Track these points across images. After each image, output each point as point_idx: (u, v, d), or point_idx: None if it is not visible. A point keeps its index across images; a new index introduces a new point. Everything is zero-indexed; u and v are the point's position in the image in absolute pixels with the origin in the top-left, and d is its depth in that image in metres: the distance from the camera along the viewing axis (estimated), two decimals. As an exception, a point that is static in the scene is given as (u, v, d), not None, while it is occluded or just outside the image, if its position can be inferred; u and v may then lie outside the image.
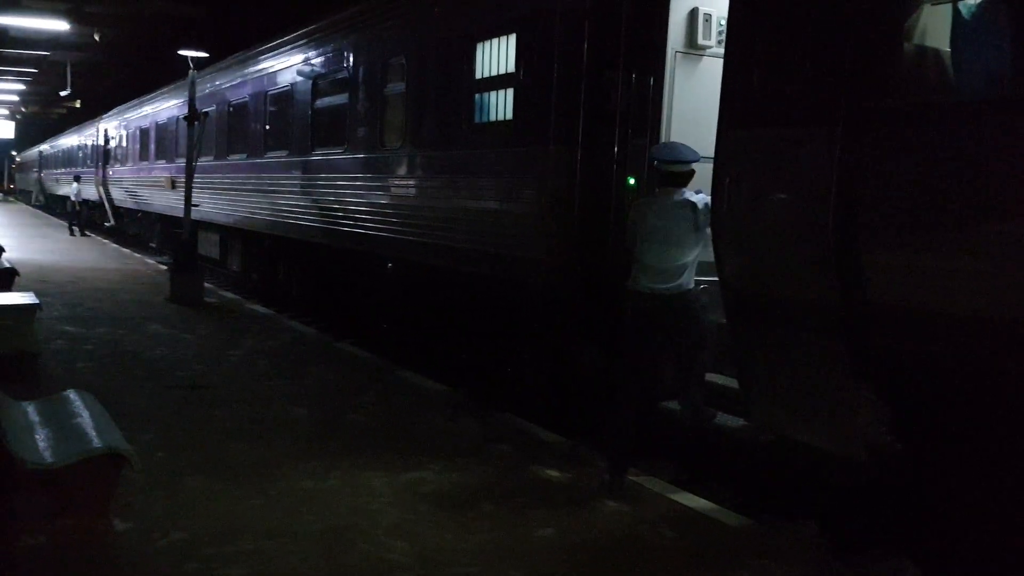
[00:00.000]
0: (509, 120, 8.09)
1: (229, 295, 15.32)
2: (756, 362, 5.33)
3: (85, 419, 4.42)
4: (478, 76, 8.52)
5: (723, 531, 5.15)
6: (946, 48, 4.50)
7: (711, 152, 5.46)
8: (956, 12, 4.45)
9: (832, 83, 4.67)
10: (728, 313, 5.48)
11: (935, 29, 4.52)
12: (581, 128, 7.03)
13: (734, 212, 5.21)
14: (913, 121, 4.39)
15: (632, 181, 6.64)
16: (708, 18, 6.46)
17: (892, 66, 4.54)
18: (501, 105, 8.26)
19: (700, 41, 6.46)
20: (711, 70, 6.23)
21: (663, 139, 6.42)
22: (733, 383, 5.72)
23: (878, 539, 5.13)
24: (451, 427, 7.03)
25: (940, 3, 4.53)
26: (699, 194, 5.64)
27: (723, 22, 6.11)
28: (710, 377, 6.19)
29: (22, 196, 55.93)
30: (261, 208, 14.34)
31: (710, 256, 5.70)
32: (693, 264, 5.68)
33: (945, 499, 4.52)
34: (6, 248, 15.11)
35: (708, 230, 5.50)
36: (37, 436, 4.26)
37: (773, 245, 5.09)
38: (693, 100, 6.42)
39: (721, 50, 5.86)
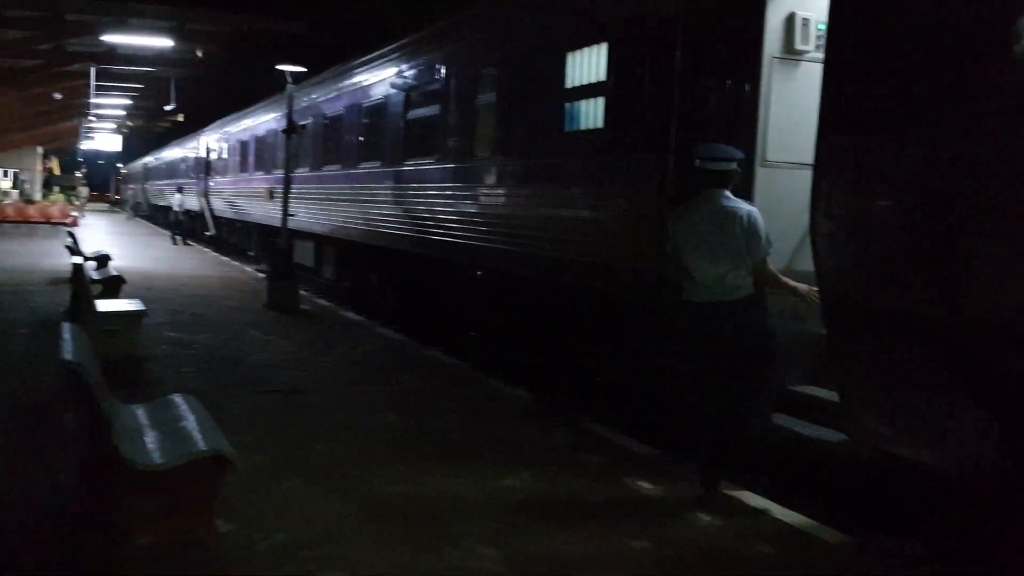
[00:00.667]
0: (599, 129, 8.07)
1: (323, 302, 15.64)
2: (858, 375, 5.19)
3: (190, 422, 4.55)
4: (568, 85, 8.53)
5: (822, 547, 5.03)
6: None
7: (810, 159, 5.36)
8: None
9: (935, 87, 4.53)
10: (827, 323, 5.35)
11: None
12: (673, 136, 6.97)
13: (835, 220, 5.09)
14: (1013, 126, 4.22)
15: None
16: (806, 22, 6.32)
17: (1009, 66, 4.38)
18: (591, 114, 8.25)
19: (798, 46, 6.33)
20: (809, 76, 6.11)
21: (759, 146, 6.31)
22: (832, 396, 5.58)
23: (984, 559, 4.94)
24: (541, 436, 7.03)
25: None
26: (748, 206, 5.57)
27: (822, 26, 5.98)
28: (807, 390, 6.07)
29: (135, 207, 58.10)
30: (354, 217, 14.60)
31: (808, 265, 5.59)
32: (743, 270, 5.57)
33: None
34: (113, 256, 15.71)
35: (761, 244, 5.48)
36: (146, 438, 4.41)
37: (877, 254, 4.95)
38: (790, 106, 6.30)
39: (820, 55, 5.75)
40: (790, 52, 6.37)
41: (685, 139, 6.90)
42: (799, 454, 6.06)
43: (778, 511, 5.53)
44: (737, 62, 6.47)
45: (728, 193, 5.66)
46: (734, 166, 5.68)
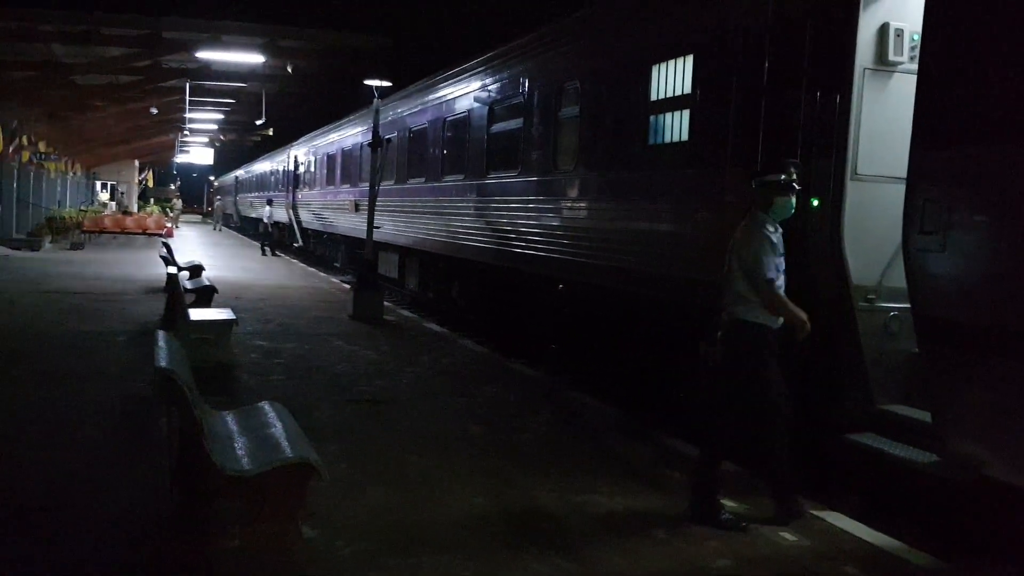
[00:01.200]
0: (684, 142, 8.01)
1: (406, 313, 15.82)
2: (953, 395, 5.03)
3: (278, 430, 4.65)
4: (653, 98, 8.49)
5: (911, 571, 4.88)
6: None
7: (903, 173, 5.23)
8: None
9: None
10: (921, 342, 5.20)
11: None
12: (760, 148, 6.87)
13: (930, 235, 4.95)
14: None
15: (816, 203, 6.42)
16: (900, 33, 6.17)
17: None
18: (676, 127, 8.20)
19: (891, 57, 6.18)
20: (903, 87, 5.97)
21: (850, 160, 6.18)
22: (925, 416, 5.42)
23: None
24: (621, 450, 6.99)
25: None
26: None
27: (916, 37, 5.84)
28: (898, 409, 5.90)
29: (223, 219, 59.73)
30: (437, 230, 14.76)
31: (900, 281, 5.44)
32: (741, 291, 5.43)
33: None
34: (205, 267, 16.15)
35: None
36: (235, 444, 4.52)
37: (972, 270, 4.80)
38: (883, 119, 6.15)
39: (914, 66, 5.61)
40: (883, 63, 6.23)
41: (773, 152, 6.80)
42: (889, 475, 5.89)
43: (866, 532, 5.39)
44: (828, 74, 6.35)
45: (763, 213, 5.51)
46: (769, 179, 5.52)
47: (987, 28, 4.77)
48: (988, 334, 4.68)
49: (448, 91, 14.63)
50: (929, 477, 5.44)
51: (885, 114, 6.16)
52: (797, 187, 5.51)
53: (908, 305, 5.31)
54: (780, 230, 5.49)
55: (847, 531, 5.41)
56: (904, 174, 5.22)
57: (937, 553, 5.19)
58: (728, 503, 5.78)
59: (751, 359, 5.46)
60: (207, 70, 23.25)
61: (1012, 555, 5.24)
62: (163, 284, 13.64)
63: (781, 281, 5.42)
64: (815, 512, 5.67)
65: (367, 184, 16.03)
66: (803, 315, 5.39)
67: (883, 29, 6.20)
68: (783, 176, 5.46)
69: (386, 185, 16.62)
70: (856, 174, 6.20)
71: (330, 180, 24.70)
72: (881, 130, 6.15)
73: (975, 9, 4.88)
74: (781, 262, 5.42)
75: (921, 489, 5.76)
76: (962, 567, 5.09)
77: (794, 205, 5.55)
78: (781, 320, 5.48)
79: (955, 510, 5.69)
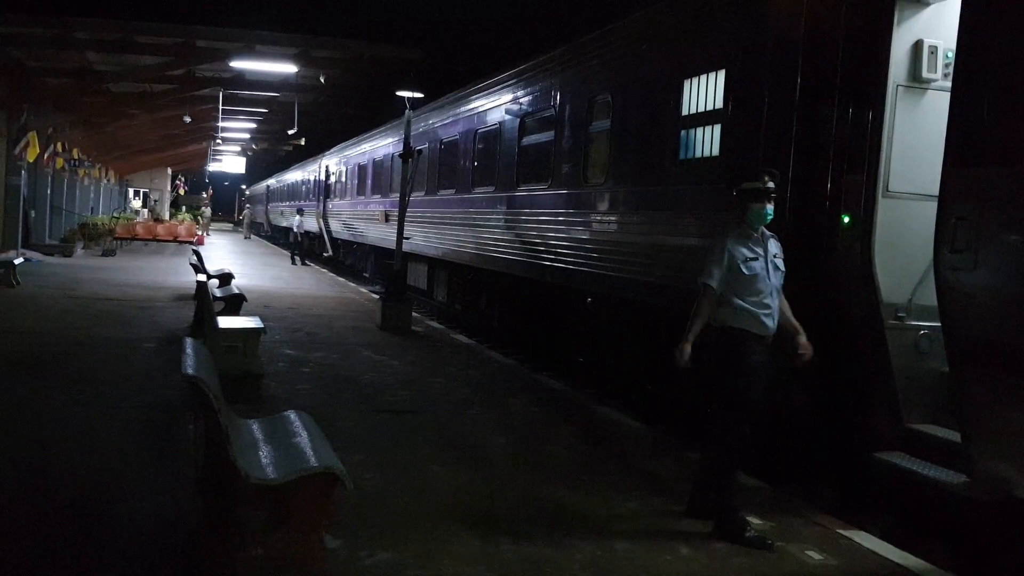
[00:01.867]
0: (715, 156, 7.98)
1: (435, 324, 15.86)
2: (982, 415, 4.96)
3: (303, 439, 4.66)
4: (684, 112, 8.48)
5: (942, 595, 4.81)
6: None
7: (935, 191, 5.18)
8: None
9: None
10: (951, 361, 5.14)
11: None
12: (792, 164, 6.84)
13: (960, 253, 4.90)
14: None
15: (847, 219, 6.38)
16: (934, 50, 6.13)
17: None
18: (707, 141, 8.18)
19: (925, 74, 6.13)
20: (936, 105, 5.92)
21: (882, 176, 6.13)
22: (954, 436, 5.35)
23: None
24: (648, 465, 6.95)
25: None
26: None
27: (950, 54, 5.80)
28: (928, 428, 5.83)
29: (251, 227, 60.21)
30: (466, 241, 14.79)
31: (931, 299, 5.38)
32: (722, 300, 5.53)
33: None
34: (235, 275, 16.29)
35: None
36: (260, 453, 4.54)
37: (1005, 289, 4.74)
38: (916, 136, 6.10)
39: (947, 83, 5.57)
40: (916, 80, 6.18)
41: (805, 168, 6.76)
42: (918, 495, 5.82)
43: (894, 553, 5.33)
44: (861, 90, 6.32)
45: (732, 220, 5.68)
46: (740, 187, 5.62)
47: (1020, 47, 4.72)
48: (1018, 354, 4.61)
49: (479, 103, 14.69)
50: (958, 498, 5.37)
51: (917, 131, 6.11)
52: (772, 195, 5.56)
53: (938, 323, 5.25)
54: (764, 234, 5.61)
55: (874, 551, 5.35)
56: (936, 192, 5.17)
57: (964, 574, 5.11)
58: (753, 520, 5.73)
59: (728, 363, 5.52)
60: (240, 79, 23.51)
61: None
62: (193, 291, 13.75)
63: (761, 285, 5.51)
64: (842, 531, 5.61)
65: (397, 195, 16.11)
66: (691, 333, 5.52)
67: (917, 46, 6.15)
68: (758, 184, 5.53)
69: (416, 196, 16.71)
70: (888, 191, 6.15)
71: (360, 190, 24.85)
72: (913, 147, 6.10)
73: (1010, 27, 4.84)
74: (755, 265, 5.51)
75: (950, 510, 5.69)
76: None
77: (770, 212, 5.58)
78: (770, 325, 5.54)
79: (984, 531, 5.61)
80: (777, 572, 4.94)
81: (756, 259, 5.51)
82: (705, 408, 5.82)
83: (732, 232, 5.58)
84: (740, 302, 5.47)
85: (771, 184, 5.54)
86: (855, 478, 6.42)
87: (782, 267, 5.64)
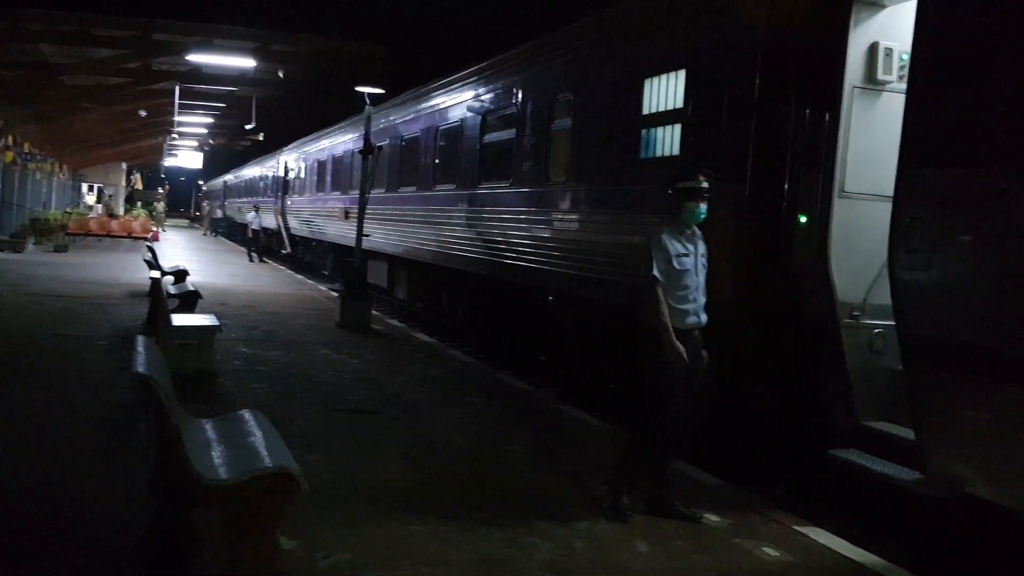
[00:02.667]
0: (675, 156, 8.01)
1: (395, 323, 15.78)
2: (936, 412, 5.03)
3: (258, 438, 4.59)
4: (645, 112, 8.49)
5: (895, 591, 4.87)
6: None
7: (890, 191, 5.23)
8: None
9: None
10: (905, 359, 5.20)
11: None
12: (750, 164, 6.88)
13: (914, 253, 4.96)
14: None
15: (803, 219, 6.44)
16: (889, 52, 6.19)
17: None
18: (668, 141, 8.20)
19: (880, 76, 6.20)
20: (891, 106, 5.98)
21: (838, 177, 6.19)
22: (908, 434, 5.42)
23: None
24: (609, 463, 6.94)
25: None
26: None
27: (905, 56, 5.86)
28: (882, 426, 5.90)
29: (212, 224, 59.50)
30: (428, 239, 14.73)
31: (885, 299, 5.44)
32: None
33: None
34: (190, 272, 16.07)
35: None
36: (213, 453, 4.46)
37: (958, 288, 4.80)
38: (871, 137, 6.16)
39: (902, 85, 5.63)
40: (872, 82, 6.25)
41: (762, 168, 6.81)
42: (873, 491, 5.89)
43: (848, 549, 5.39)
44: (818, 91, 6.37)
45: (671, 218, 5.84)
46: (679, 186, 5.79)
47: (975, 50, 4.79)
48: (971, 352, 4.68)
49: (441, 100, 14.63)
50: (912, 494, 5.44)
51: (873, 132, 6.17)
52: (707, 194, 5.73)
53: (893, 322, 5.31)
54: (696, 232, 5.80)
55: (830, 547, 5.40)
56: (891, 192, 5.23)
57: (918, 571, 5.18)
58: (711, 517, 5.76)
59: (649, 357, 5.64)
60: (197, 73, 23.22)
61: (992, 573, 5.24)
62: (147, 288, 13.55)
63: (688, 281, 5.67)
64: (799, 528, 5.66)
65: (357, 191, 15.99)
66: (668, 330, 5.56)
67: (873, 48, 6.22)
68: (693, 183, 5.72)
69: (377, 193, 16.59)
70: (844, 191, 6.21)
71: (320, 187, 24.65)
72: (869, 148, 6.16)
73: (964, 30, 4.90)
74: (686, 261, 5.69)
75: (904, 506, 5.76)
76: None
77: (704, 211, 5.76)
78: (693, 321, 5.70)
79: (937, 527, 5.70)
80: (735, 569, 4.98)
81: (687, 255, 5.71)
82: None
83: (668, 228, 5.75)
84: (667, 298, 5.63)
85: (705, 184, 5.73)
86: (812, 475, 6.49)
87: (707, 265, 5.84)
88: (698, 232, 5.82)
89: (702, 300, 5.77)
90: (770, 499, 6.38)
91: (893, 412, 5.89)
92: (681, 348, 5.55)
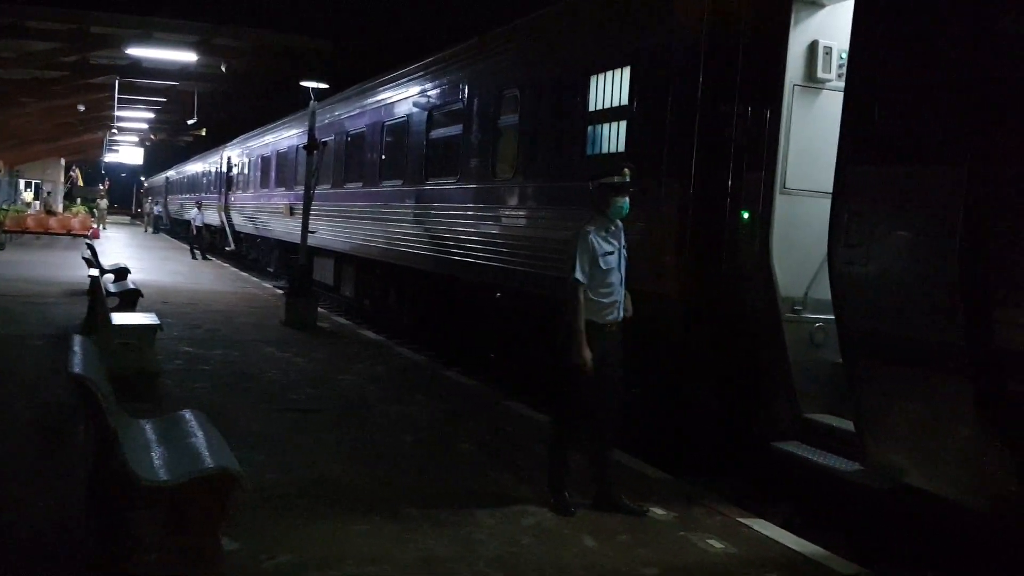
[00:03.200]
0: (621, 153, 8.05)
1: (341, 320, 15.65)
2: (874, 404, 5.13)
3: (199, 439, 4.52)
4: (591, 108, 8.53)
5: (835, 580, 4.95)
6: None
7: (830, 188, 5.32)
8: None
9: (959, 119, 4.50)
10: (844, 352, 5.29)
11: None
12: (695, 161, 6.95)
13: (853, 249, 5.05)
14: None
15: (746, 215, 6.52)
16: (828, 51, 6.30)
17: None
18: (614, 137, 8.24)
19: (819, 74, 6.31)
20: (830, 104, 6.08)
21: (779, 174, 6.28)
22: (848, 425, 5.52)
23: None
24: (555, 460, 6.97)
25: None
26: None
27: (844, 55, 5.96)
28: (823, 418, 6.00)
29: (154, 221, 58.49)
30: (374, 236, 14.63)
31: (825, 293, 5.53)
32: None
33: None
34: (131, 270, 15.78)
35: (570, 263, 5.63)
36: (153, 454, 4.38)
37: (895, 283, 4.90)
38: (811, 134, 6.27)
39: (841, 84, 5.73)
40: (812, 80, 6.35)
41: (706, 165, 6.88)
42: (814, 483, 5.99)
43: (791, 540, 5.46)
44: (759, 89, 6.46)
45: (595, 214, 5.83)
46: (600, 181, 5.81)
47: (910, 49, 4.88)
48: (907, 345, 4.78)
49: (387, 95, 14.54)
50: (852, 485, 5.54)
51: (813, 130, 6.28)
52: (631, 188, 5.76)
53: (832, 316, 5.40)
54: (619, 226, 5.82)
55: (773, 539, 5.47)
56: (830, 189, 5.31)
57: (859, 560, 5.28)
58: (657, 510, 5.81)
59: (568, 352, 5.64)
60: (137, 67, 22.79)
61: (930, 560, 5.36)
62: (86, 287, 13.26)
63: (613, 278, 5.70)
64: (743, 520, 5.73)
65: (302, 188, 15.83)
66: (581, 334, 5.57)
67: (812, 47, 6.32)
68: (616, 178, 5.72)
69: (322, 189, 16.44)
70: (785, 188, 6.30)
71: (264, 183, 24.34)
72: (809, 145, 6.26)
73: (900, 30, 5.00)
74: (611, 259, 5.70)
75: (846, 496, 5.87)
76: (882, 573, 5.18)
77: (628, 205, 5.79)
78: (614, 316, 5.73)
79: (877, 517, 5.81)
80: (679, 561, 5.02)
81: (612, 252, 5.73)
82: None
83: (594, 226, 5.74)
84: (590, 294, 5.65)
85: (630, 178, 5.75)
86: (756, 468, 6.58)
87: (627, 258, 5.87)
88: (620, 225, 5.84)
89: (623, 294, 5.80)
90: (715, 492, 6.45)
91: (834, 404, 6.00)
92: (588, 355, 5.56)
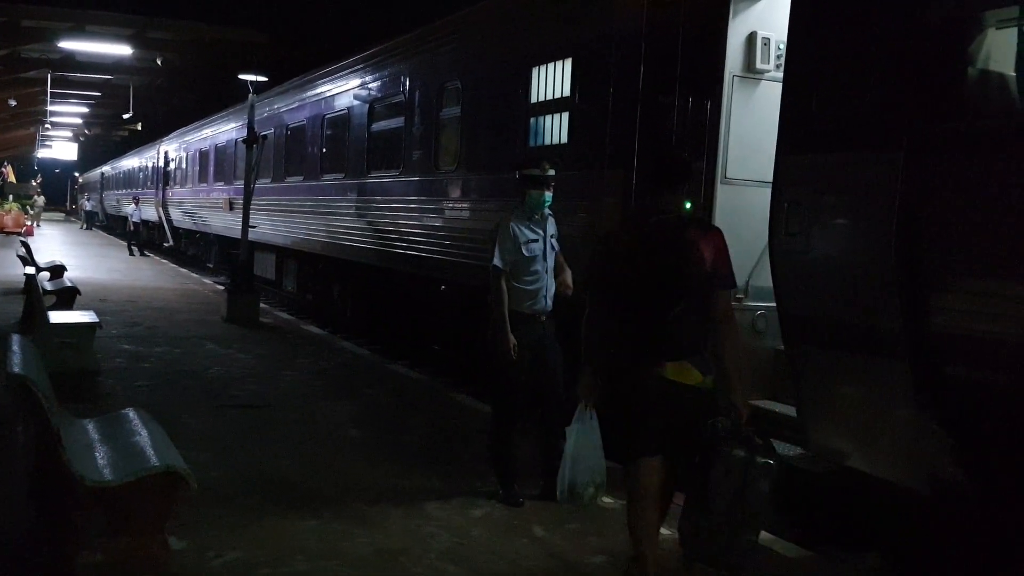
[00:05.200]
0: (564, 144, 8.09)
1: (284, 315, 15.49)
2: (814, 390, 5.23)
3: (143, 437, 4.46)
4: (533, 100, 8.55)
5: (780, 562, 5.05)
6: (1012, 72, 4.43)
7: (770, 177, 5.41)
8: (1021, 36, 4.37)
9: (895, 107, 4.60)
10: (785, 339, 5.39)
11: (1000, 52, 4.44)
12: (636, 152, 7.00)
13: (793, 237, 5.14)
14: (976, 145, 4.30)
15: (688, 205, 6.58)
16: (767, 42, 6.39)
17: (958, 89, 4.47)
18: (556, 129, 8.27)
19: (758, 65, 6.39)
20: (769, 94, 6.17)
21: (720, 163, 6.36)
22: (790, 411, 5.62)
23: (941, 573, 4.99)
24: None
25: (1005, 28, 4.46)
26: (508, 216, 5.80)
27: (782, 46, 6.05)
28: (765, 404, 6.10)
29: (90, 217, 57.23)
30: (316, 230, 14.51)
31: (767, 281, 5.62)
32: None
33: (1016, 537, 4.37)
34: (68, 267, 15.44)
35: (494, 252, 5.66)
36: (96, 454, 4.31)
37: (833, 271, 5.01)
38: (751, 124, 6.35)
39: (780, 74, 5.82)
40: (751, 71, 6.43)
41: (648, 156, 6.94)
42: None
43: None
44: (699, 80, 6.53)
45: (519, 204, 5.84)
46: (520, 173, 5.85)
47: (845, 40, 4.98)
48: (846, 331, 4.89)
49: (327, 88, 14.40)
50: (795, 469, 5.65)
51: (752, 120, 6.36)
52: (552, 182, 5.80)
53: (774, 304, 5.49)
54: (547, 216, 5.84)
55: (719, 525, 5.54)
56: (770, 178, 5.40)
57: (803, 542, 5.39)
58: (606, 499, 5.85)
59: (491, 345, 5.70)
60: (70, 61, 22.28)
61: (871, 541, 5.49)
62: (21, 285, 12.94)
63: (538, 266, 5.73)
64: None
65: (242, 182, 15.62)
66: (504, 322, 5.62)
67: (751, 38, 6.40)
68: (535, 170, 5.77)
69: (262, 183, 16.24)
70: (726, 178, 6.38)
71: (203, 177, 23.97)
72: (749, 135, 6.35)
73: (836, 21, 5.09)
74: (535, 247, 5.73)
75: (790, 481, 5.97)
76: (827, 556, 5.30)
77: (549, 198, 5.83)
78: (541, 305, 5.75)
79: (820, 501, 5.93)
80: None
81: (536, 241, 5.75)
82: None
83: (515, 215, 5.79)
84: (514, 283, 5.69)
85: (551, 172, 5.78)
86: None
87: (557, 246, 5.91)
88: (548, 214, 5.87)
89: (551, 284, 5.82)
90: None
91: (777, 391, 6.10)
92: (511, 340, 5.60)
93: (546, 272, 5.79)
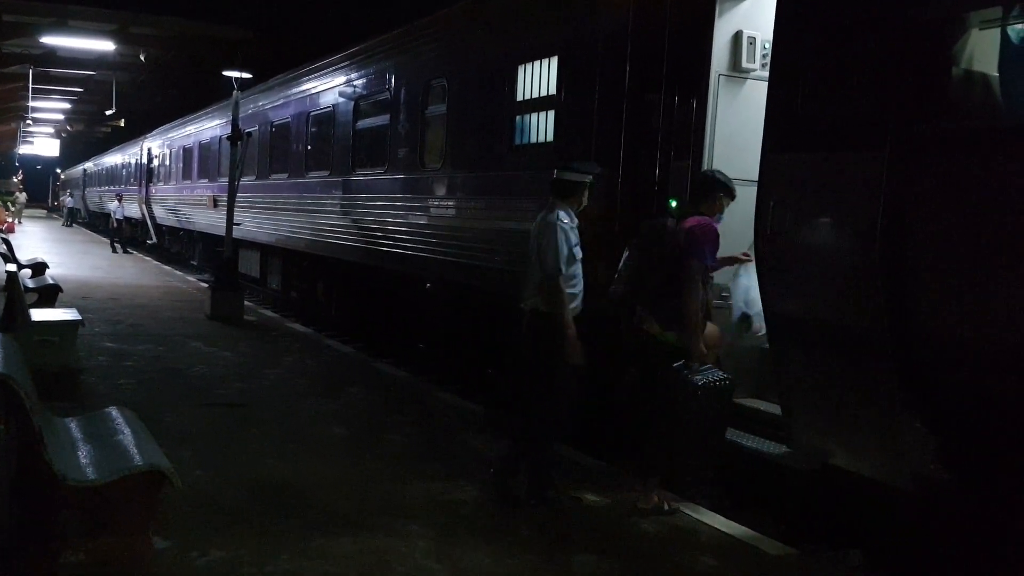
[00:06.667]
0: (550, 142, 8.09)
1: (268, 313, 15.43)
2: (799, 388, 5.25)
3: (127, 436, 4.42)
4: (519, 98, 8.54)
5: (764, 559, 5.06)
6: (995, 72, 4.46)
7: (755, 176, 5.42)
8: (1004, 36, 4.40)
9: (879, 107, 4.62)
10: (771, 338, 5.41)
11: (984, 53, 4.47)
12: (622, 150, 7.01)
13: (778, 236, 5.16)
14: (960, 146, 4.33)
15: (674, 203, 6.60)
16: (752, 41, 6.41)
17: (942, 90, 4.49)
18: (542, 127, 8.27)
19: (744, 64, 6.42)
20: (755, 93, 6.19)
21: (706, 162, 6.37)
22: (775, 409, 5.64)
23: (925, 570, 5.02)
24: (488, 449, 6.99)
25: (988, 28, 4.49)
26: (560, 221, 5.61)
27: (767, 45, 6.08)
28: (751, 403, 6.12)
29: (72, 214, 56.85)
30: (301, 227, 14.46)
31: (751, 280, 5.64)
32: (546, 284, 5.59)
33: (998, 534, 4.41)
34: (50, 264, 15.32)
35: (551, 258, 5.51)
36: (79, 453, 4.27)
37: (818, 270, 5.02)
38: (736, 123, 6.37)
39: (765, 73, 5.84)
40: (736, 70, 6.45)
41: (634, 154, 6.95)
42: (743, 466, 6.11)
43: (722, 523, 5.57)
44: (685, 79, 6.54)
45: (564, 206, 5.72)
46: (586, 179, 5.77)
47: (829, 41, 5.00)
48: (831, 330, 4.91)
49: (312, 85, 14.35)
50: (780, 467, 5.67)
51: (738, 119, 6.38)
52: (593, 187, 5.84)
53: (759, 302, 5.50)
54: (576, 221, 5.78)
55: (704, 522, 5.58)
56: (755, 177, 5.41)
57: (788, 540, 5.41)
58: (591, 496, 5.87)
59: (553, 347, 5.59)
60: (52, 56, 22.11)
61: (855, 539, 5.52)
62: (2, 283, 12.84)
63: (577, 269, 5.67)
64: (674, 504, 5.81)
65: (227, 179, 15.55)
66: (572, 326, 5.55)
67: (737, 37, 6.42)
68: (590, 177, 5.78)
69: (247, 180, 16.16)
70: (712, 176, 6.39)
71: (187, 174, 23.84)
72: (734, 134, 6.36)
73: (822, 20, 5.11)
74: (578, 251, 5.68)
75: (774, 479, 6.00)
76: (811, 553, 5.32)
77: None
78: (581, 306, 5.72)
79: (805, 498, 5.96)
80: (613, 546, 5.08)
81: (579, 243, 5.72)
82: (523, 390, 5.93)
83: (568, 218, 5.69)
84: (563, 286, 5.61)
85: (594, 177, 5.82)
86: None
87: None
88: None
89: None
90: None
91: (762, 389, 6.12)
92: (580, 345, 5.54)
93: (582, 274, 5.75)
